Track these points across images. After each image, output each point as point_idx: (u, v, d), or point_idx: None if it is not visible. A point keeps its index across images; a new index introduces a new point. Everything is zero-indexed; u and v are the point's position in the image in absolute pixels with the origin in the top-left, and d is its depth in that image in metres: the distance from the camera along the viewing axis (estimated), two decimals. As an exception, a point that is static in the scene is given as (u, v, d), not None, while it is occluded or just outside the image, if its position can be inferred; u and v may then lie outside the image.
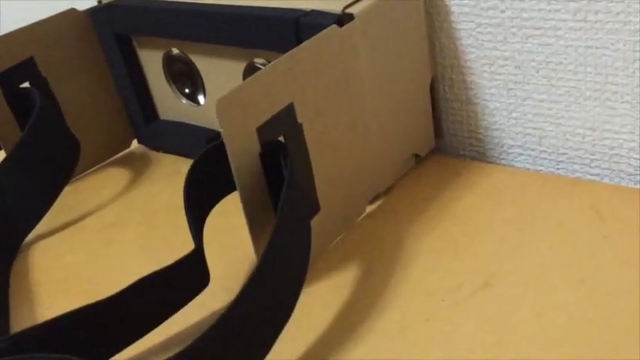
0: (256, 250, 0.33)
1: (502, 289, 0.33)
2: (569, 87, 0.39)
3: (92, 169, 0.51)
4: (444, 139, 0.46)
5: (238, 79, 0.43)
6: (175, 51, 0.47)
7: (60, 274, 0.41)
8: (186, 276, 0.33)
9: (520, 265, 0.34)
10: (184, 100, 0.49)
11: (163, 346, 0.33)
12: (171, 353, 0.26)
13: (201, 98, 0.48)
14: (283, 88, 0.33)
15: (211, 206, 0.36)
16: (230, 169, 0.32)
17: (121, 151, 0.53)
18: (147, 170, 0.50)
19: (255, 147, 0.32)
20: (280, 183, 0.32)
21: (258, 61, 0.42)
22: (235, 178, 0.31)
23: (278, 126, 0.33)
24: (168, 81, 0.49)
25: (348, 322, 0.33)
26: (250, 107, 0.31)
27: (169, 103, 0.50)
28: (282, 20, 0.37)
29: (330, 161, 0.36)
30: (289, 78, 0.33)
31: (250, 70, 0.43)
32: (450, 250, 0.36)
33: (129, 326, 0.31)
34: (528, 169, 0.43)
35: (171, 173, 0.50)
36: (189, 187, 0.34)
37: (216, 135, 0.47)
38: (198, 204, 0.34)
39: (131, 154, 0.53)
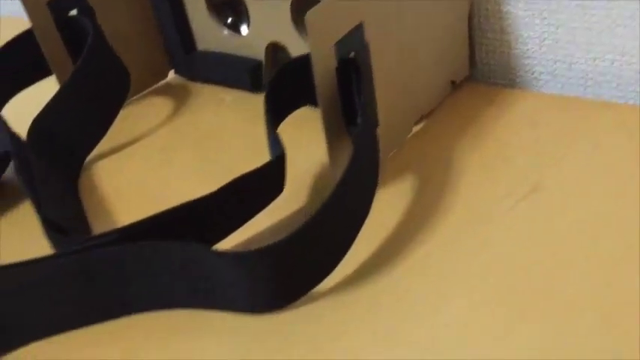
0: (330, 157, 0.36)
1: (548, 195, 0.36)
2: (601, 15, 0.42)
3: (131, 99, 0.53)
4: (476, 67, 0.49)
5: (285, 9, 0.45)
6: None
7: (124, 190, 0.43)
8: (269, 180, 0.35)
9: (563, 175, 0.38)
10: (225, 31, 0.51)
11: (246, 245, 0.36)
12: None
13: (243, 28, 0.50)
14: (356, 8, 0.35)
15: (283, 119, 0.38)
16: (304, 83, 0.35)
17: (158, 82, 0.55)
18: (188, 99, 0.53)
19: (333, 62, 0.35)
20: (349, 98, 0.35)
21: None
22: (317, 90, 0.34)
23: (350, 44, 0.35)
24: (209, 10, 0.51)
25: (413, 225, 0.36)
26: (332, 23, 0.34)
27: (208, 34, 0.52)
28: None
29: (385, 82, 0.39)
30: (361, -1, 0.35)
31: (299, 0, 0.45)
32: (494, 165, 0.40)
33: (218, 224, 0.34)
34: (557, 94, 0.47)
35: (213, 101, 0.52)
36: (269, 98, 0.36)
37: (259, 64, 0.50)
38: (275, 114, 0.37)
39: (169, 85, 0.55)
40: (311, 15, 0.32)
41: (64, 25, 0.47)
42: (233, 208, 0.35)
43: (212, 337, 0.31)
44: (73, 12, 0.48)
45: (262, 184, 0.35)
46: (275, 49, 0.49)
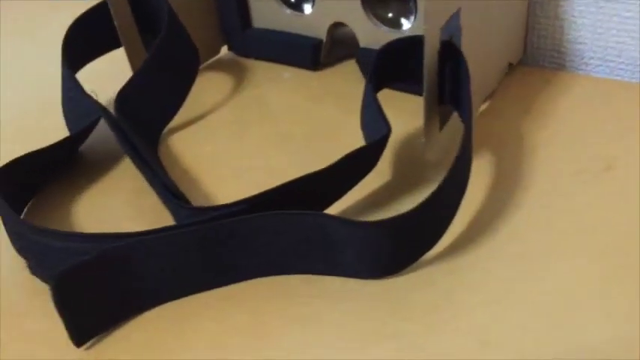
0: (426, 133, 0.38)
1: (623, 172, 0.40)
2: (656, 5, 0.46)
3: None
4: (527, 52, 0.52)
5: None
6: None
7: (203, 161, 0.44)
8: (370, 156, 0.37)
9: (635, 154, 0.41)
10: (288, 10, 0.52)
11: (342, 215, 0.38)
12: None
13: (307, 7, 0.52)
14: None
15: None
16: (404, 61, 0.37)
17: (211, 58, 0.56)
18: (246, 75, 0.54)
19: (437, 45, 0.37)
20: (444, 80, 0.38)
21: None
22: (425, 70, 0.36)
23: (450, 28, 0.38)
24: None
25: (501, 196, 0.39)
26: (441, 9, 0.36)
27: (267, 11, 0.53)
28: None
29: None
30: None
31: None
32: (563, 142, 0.43)
33: (325, 196, 0.36)
34: (606, 78, 0.50)
35: (272, 78, 0.53)
36: (372, 75, 0.38)
37: (320, 43, 0.52)
38: (375, 90, 0.39)
39: (222, 61, 0.56)
40: (429, 3, 0.34)
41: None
42: (338, 182, 0.37)
43: (330, 300, 0.34)
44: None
45: (364, 159, 0.37)
46: (333, 28, 0.51)
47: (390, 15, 0.48)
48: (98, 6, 0.47)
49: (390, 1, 0.48)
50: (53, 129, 0.46)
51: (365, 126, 0.40)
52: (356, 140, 0.43)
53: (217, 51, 0.57)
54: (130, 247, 0.32)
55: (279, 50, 0.54)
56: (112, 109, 0.43)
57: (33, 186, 0.41)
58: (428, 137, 0.39)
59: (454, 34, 0.38)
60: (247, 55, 0.56)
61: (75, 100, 0.45)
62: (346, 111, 0.48)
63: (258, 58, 0.56)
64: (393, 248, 0.34)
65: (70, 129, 0.46)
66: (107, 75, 0.49)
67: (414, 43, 0.37)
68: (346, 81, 0.52)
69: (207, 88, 0.53)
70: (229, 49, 0.57)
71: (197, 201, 0.40)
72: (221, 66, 0.56)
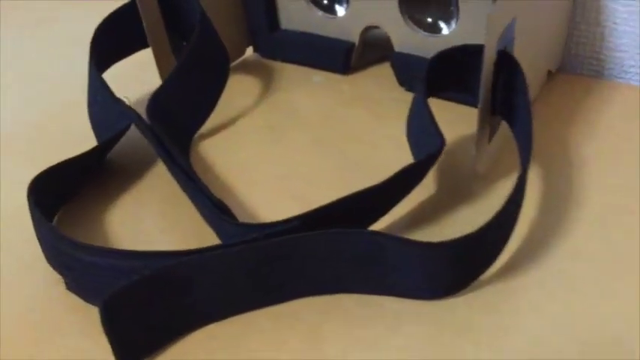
0: (478, 144, 0.37)
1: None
2: None
3: (213, 76, 0.53)
4: (564, 58, 0.50)
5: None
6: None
7: (236, 167, 0.43)
8: (420, 171, 0.36)
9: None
10: (320, 12, 0.51)
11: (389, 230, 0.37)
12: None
13: (340, 9, 0.50)
14: (512, 5, 0.36)
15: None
16: (457, 70, 0.36)
17: (236, 59, 0.55)
18: (275, 78, 0.52)
19: (494, 55, 0.35)
20: (496, 90, 0.36)
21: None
22: (482, 80, 0.35)
23: (505, 38, 0.36)
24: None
25: (550, 215, 0.37)
26: (500, 19, 0.35)
27: (296, 13, 0.52)
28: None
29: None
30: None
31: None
32: (613, 155, 0.41)
33: (375, 211, 0.35)
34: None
35: (301, 81, 0.52)
36: (424, 83, 0.37)
37: (352, 47, 0.50)
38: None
39: (248, 63, 0.55)
40: (492, 13, 0.33)
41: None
42: (389, 197, 0.35)
43: (391, 322, 0.32)
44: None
45: (416, 173, 0.36)
46: (366, 31, 0.50)
47: (429, 19, 0.46)
48: (126, 5, 0.45)
49: (429, 5, 0.46)
50: (79, 132, 0.44)
51: (412, 135, 0.39)
52: (391, 146, 0.41)
53: (243, 52, 0.55)
54: (181, 266, 0.30)
55: (308, 53, 0.52)
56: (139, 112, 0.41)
57: (62, 196, 0.39)
58: (479, 149, 0.37)
59: (508, 44, 0.37)
60: (274, 57, 0.54)
61: (103, 104, 0.43)
62: (379, 116, 0.47)
63: (285, 60, 0.54)
64: (454, 269, 0.32)
65: (97, 133, 0.44)
66: (129, 76, 0.48)
67: (471, 52, 0.35)
68: (378, 85, 0.50)
69: (235, 91, 0.51)
70: (254, 50, 0.55)
71: (235, 211, 0.38)
72: (247, 68, 0.54)
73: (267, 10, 0.52)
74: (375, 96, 0.49)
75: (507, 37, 0.36)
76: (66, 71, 0.55)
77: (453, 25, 0.45)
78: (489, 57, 0.34)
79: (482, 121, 0.36)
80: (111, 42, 0.45)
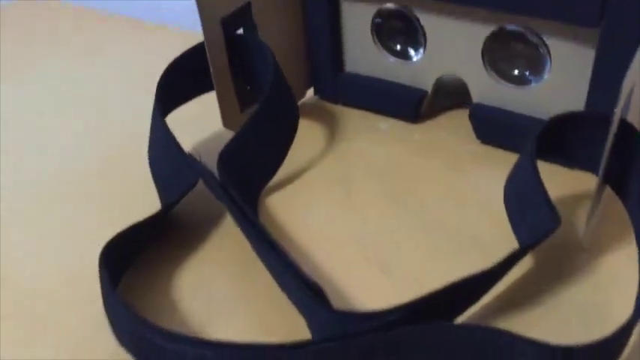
0: (590, 219, 0.34)
1: None
2: None
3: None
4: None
5: (476, 44, 0.43)
6: (390, 5, 0.45)
7: (314, 229, 0.40)
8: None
9: None
10: (392, 58, 0.48)
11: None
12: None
13: (414, 54, 0.47)
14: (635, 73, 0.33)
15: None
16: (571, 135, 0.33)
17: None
18: (338, 123, 0.49)
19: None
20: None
21: (510, 27, 0.41)
22: (605, 152, 0.32)
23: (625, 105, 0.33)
24: (372, 34, 0.47)
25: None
26: (629, 83, 0.32)
27: (365, 57, 0.49)
28: None
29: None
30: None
31: (500, 35, 0.42)
32: None
33: (471, 298, 0.32)
34: None
35: (367, 128, 0.49)
36: (535, 147, 0.34)
37: (424, 94, 0.47)
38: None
39: (307, 106, 0.52)
40: (627, 79, 0.30)
41: (230, 42, 0.43)
42: (492, 282, 0.32)
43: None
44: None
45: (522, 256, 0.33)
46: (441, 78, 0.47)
47: (516, 72, 0.43)
48: (193, 49, 0.42)
49: (515, 55, 0.43)
50: (138, 179, 0.42)
51: (513, 202, 0.35)
52: (474, 204, 0.38)
53: (303, 94, 0.52)
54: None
55: (376, 99, 0.49)
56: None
57: (127, 260, 0.36)
58: (590, 222, 0.34)
59: (624, 111, 0.34)
60: (336, 102, 0.51)
61: (167, 154, 0.40)
62: (457, 169, 0.44)
63: (347, 104, 0.51)
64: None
65: (159, 184, 0.41)
66: (186, 118, 0.45)
67: (596, 119, 0.32)
68: (450, 134, 0.47)
69: (298, 137, 0.48)
70: (315, 92, 0.52)
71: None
72: (308, 112, 0.51)
73: (333, 51, 0.49)
74: (449, 147, 0.46)
75: (626, 104, 0.33)
76: (127, 103, 0.52)
77: (545, 75, 0.42)
78: (615, 126, 0.31)
79: (599, 194, 0.33)
80: (175, 87, 0.42)
